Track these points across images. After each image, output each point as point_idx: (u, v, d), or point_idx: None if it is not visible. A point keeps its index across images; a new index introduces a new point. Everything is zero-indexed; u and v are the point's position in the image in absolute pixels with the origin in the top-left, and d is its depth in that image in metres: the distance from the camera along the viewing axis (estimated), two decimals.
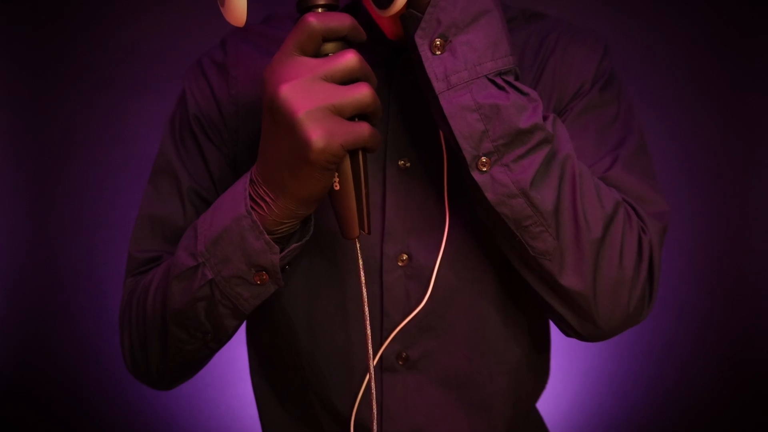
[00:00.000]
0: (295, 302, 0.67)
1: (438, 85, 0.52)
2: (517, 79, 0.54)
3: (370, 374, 0.54)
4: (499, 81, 0.52)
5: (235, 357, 1.79)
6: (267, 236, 0.52)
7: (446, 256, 0.63)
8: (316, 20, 0.47)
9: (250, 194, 0.53)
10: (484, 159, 0.53)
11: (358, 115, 0.48)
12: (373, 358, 0.65)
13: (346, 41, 0.49)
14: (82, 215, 1.77)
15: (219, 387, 1.77)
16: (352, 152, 0.50)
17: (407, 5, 0.52)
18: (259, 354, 0.75)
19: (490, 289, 0.65)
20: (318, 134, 0.46)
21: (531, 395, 0.73)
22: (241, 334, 0.79)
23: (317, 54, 0.49)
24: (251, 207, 0.53)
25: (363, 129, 0.48)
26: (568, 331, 0.63)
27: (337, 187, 0.50)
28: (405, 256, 0.63)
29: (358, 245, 0.53)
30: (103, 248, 1.75)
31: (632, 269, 0.58)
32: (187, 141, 0.69)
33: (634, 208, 0.61)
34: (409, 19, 0.53)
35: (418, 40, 0.52)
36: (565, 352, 1.48)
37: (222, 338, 0.62)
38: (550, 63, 0.66)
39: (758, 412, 1.75)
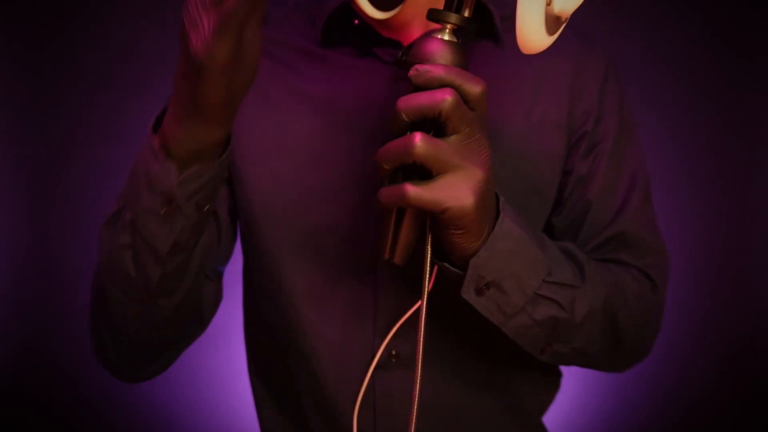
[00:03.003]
0: (291, 301, 0.67)
1: (496, 319, 0.55)
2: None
3: (420, 375, 0.52)
4: (545, 292, 0.55)
5: (234, 357, 1.79)
6: (164, 156, 0.50)
7: None
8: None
9: (155, 124, 0.52)
10: (546, 348, 0.60)
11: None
12: (374, 359, 0.65)
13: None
14: (82, 215, 1.76)
15: (219, 387, 1.76)
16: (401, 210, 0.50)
17: (439, 256, 0.53)
18: (255, 354, 0.75)
19: None
20: None
21: (533, 399, 0.73)
22: (241, 334, 0.79)
23: None
24: (154, 135, 0.51)
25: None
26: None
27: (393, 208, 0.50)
28: None
29: (428, 255, 0.51)
30: None
31: (650, 333, 0.69)
32: None
33: (645, 273, 0.68)
34: (447, 271, 0.53)
35: (464, 294, 0.53)
36: None
37: (153, 293, 0.57)
38: (561, 78, 0.68)
39: (758, 412, 1.75)
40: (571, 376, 0.87)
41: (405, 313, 0.63)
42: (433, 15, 0.49)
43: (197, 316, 0.66)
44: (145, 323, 0.60)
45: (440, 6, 0.50)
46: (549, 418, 0.76)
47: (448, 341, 0.66)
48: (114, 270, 0.56)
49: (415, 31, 0.65)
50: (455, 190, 0.46)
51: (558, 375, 0.75)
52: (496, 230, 0.51)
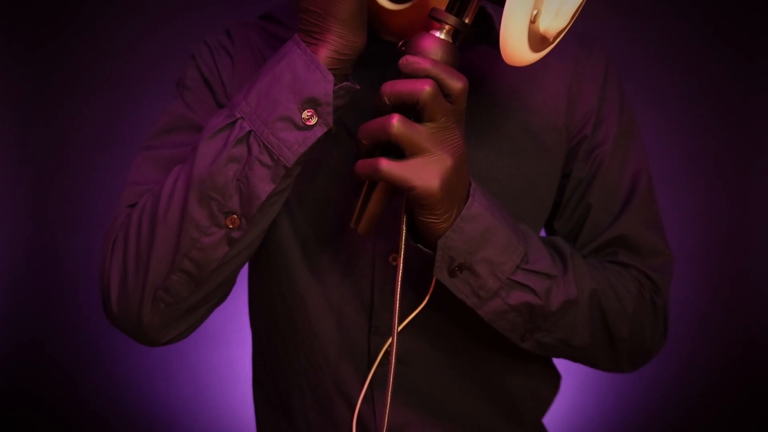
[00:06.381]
0: (295, 291, 0.66)
1: (471, 302, 0.57)
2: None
3: (391, 361, 0.56)
4: (519, 278, 0.57)
5: (234, 357, 1.80)
6: (322, 65, 0.51)
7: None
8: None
9: (298, 39, 0.53)
10: (527, 335, 0.60)
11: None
12: (371, 358, 0.65)
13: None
14: (82, 215, 1.77)
15: (219, 387, 1.77)
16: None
17: (415, 239, 0.56)
18: (258, 342, 0.75)
19: None
20: None
21: (530, 398, 0.73)
22: (241, 333, 0.79)
23: None
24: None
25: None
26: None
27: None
28: (397, 256, 0.63)
29: (403, 238, 0.54)
30: None
31: (652, 334, 0.68)
32: (202, 94, 0.67)
33: (645, 274, 0.68)
34: (422, 252, 0.55)
35: (438, 275, 0.55)
36: None
37: (249, 216, 0.54)
38: (560, 80, 0.68)
39: (758, 412, 1.75)
40: (571, 376, 0.88)
41: (400, 312, 0.62)
42: (434, 14, 0.52)
43: (239, 270, 0.62)
44: (213, 264, 0.56)
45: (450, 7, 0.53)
46: (549, 419, 0.76)
47: (444, 333, 0.66)
48: (210, 186, 0.53)
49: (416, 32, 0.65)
50: (423, 172, 0.50)
51: (557, 376, 0.75)
52: (464, 213, 0.53)
